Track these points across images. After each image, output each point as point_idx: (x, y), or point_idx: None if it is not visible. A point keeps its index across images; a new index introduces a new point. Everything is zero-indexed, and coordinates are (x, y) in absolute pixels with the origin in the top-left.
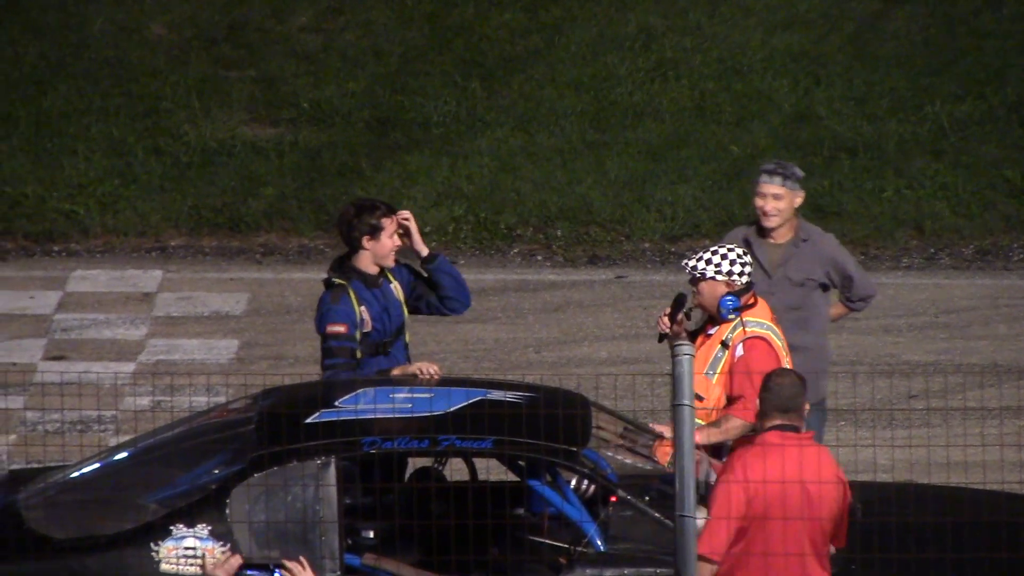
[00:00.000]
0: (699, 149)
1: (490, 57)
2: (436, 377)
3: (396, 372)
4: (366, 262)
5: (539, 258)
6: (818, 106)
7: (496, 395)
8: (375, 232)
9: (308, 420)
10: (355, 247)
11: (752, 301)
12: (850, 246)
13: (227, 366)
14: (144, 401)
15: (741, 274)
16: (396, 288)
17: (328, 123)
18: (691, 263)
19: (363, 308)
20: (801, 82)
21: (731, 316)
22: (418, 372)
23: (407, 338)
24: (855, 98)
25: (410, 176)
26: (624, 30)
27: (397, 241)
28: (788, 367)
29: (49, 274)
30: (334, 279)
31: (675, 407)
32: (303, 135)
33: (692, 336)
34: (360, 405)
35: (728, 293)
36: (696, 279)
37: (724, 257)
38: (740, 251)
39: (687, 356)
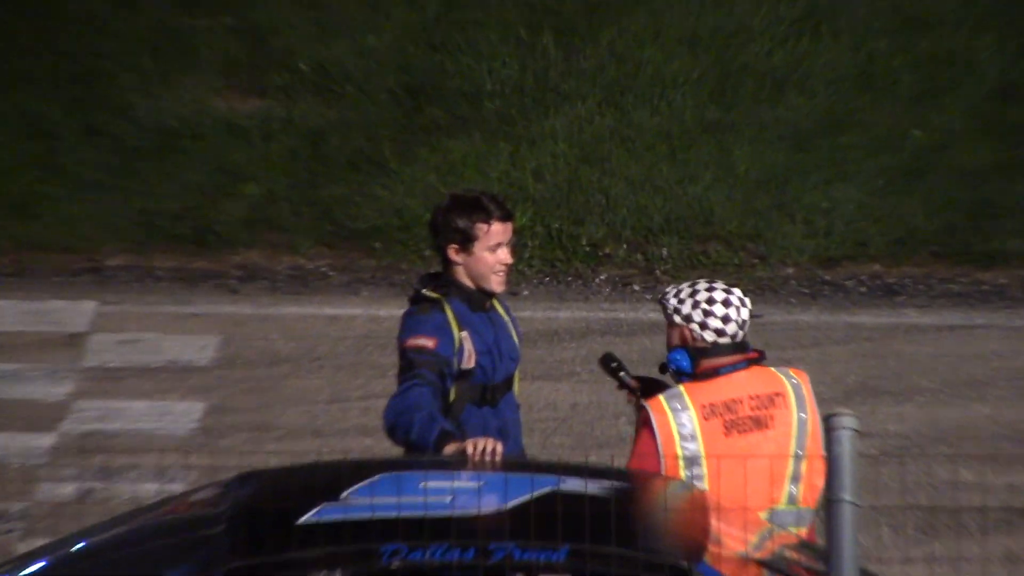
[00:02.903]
0: (865, 134)
1: (568, 3)
2: (495, 458)
3: (449, 449)
4: (463, 277)
5: (636, 288)
6: None
7: (572, 485)
8: (465, 241)
9: (303, 519)
10: (443, 257)
11: (709, 369)
12: None
13: (188, 440)
14: (68, 489)
15: (704, 326)
16: (509, 324)
17: (337, 93)
18: (664, 292)
19: (465, 334)
20: (1011, 41)
21: (672, 376)
22: (471, 449)
23: (516, 390)
24: None
25: (452, 169)
26: None
27: (504, 257)
28: (673, 457)
29: None
30: (425, 291)
31: (830, 503)
32: (301, 110)
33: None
34: (377, 498)
35: (680, 346)
36: (664, 313)
37: (693, 295)
38: (726, 297)
39: (847, 431)
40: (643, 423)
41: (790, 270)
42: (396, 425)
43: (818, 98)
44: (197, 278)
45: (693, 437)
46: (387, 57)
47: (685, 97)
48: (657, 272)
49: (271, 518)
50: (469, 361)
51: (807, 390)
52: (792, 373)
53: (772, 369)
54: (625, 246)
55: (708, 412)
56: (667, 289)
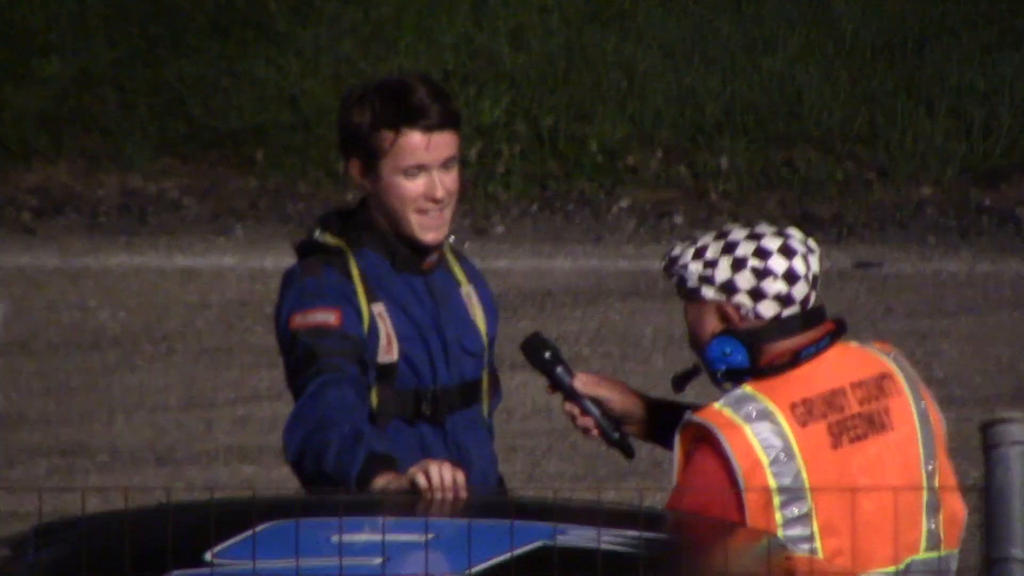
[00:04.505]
0: None
1: None
2: (458, 494)
3: (382, 482)
4: (380, 218)
5: (678, 221)
6: None
7: (576, 536)
8: (368, 157)
9: None
10: (355, 182)
11: (782, 356)
12: None
13: None
14: None
15: (758, 294)
16: (470, 298)
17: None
18: (673, 253)
19: (379, 308)
20: None
21: (722, 380)
22: (420, 480)
23: (485, 408)
24: None
25: (378, 32)
26: None
27: (429, 189)
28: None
29: None
30: (322, 237)
31: (992, 563)
32: None
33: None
34: (263, 560)
35: (725, 332)
36: (679, 289)
37: (729, 249)
38: (783, 242)
39: (1018, 448)
40: (698, 442)
41: (927, 191)
42: (306, 449)
43: None
44: None
45: (788, 455)
46: None
47: None
48: (712, 196)
49: None
50: (388, 351)
51: (911, 368)
52: (880, 347)
53: (855, 344)
54: (661, 153)
55: (804, 414)
56: (676, 250)
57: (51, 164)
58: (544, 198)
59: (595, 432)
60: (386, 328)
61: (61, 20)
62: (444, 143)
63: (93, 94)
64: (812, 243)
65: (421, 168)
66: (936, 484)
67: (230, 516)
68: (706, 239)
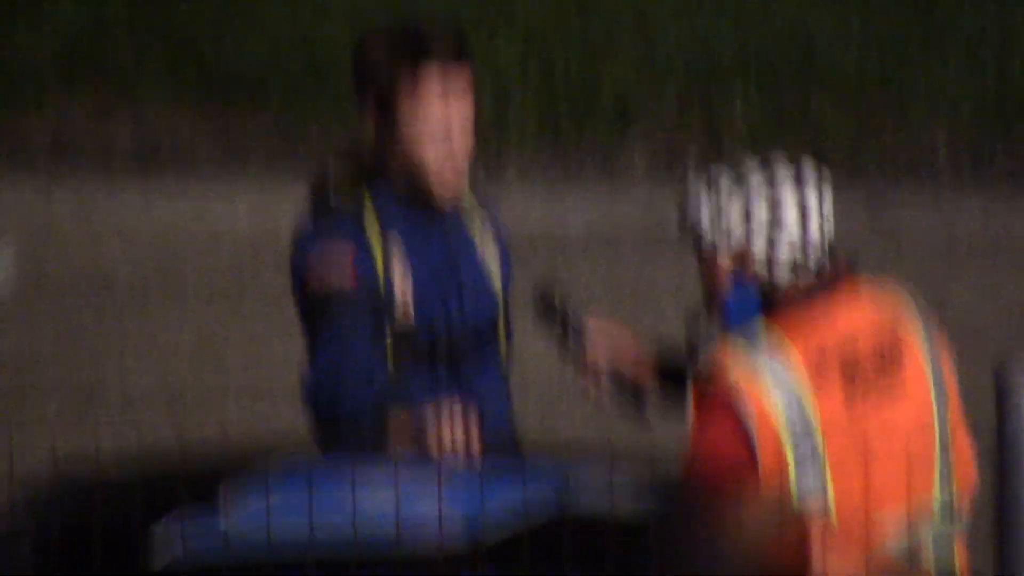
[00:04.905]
0: None
1: None
2: (471, 444)
3: (396, 425)
4: (395, 156)
5: (690, 164)
6: None
7: (587, 483)
8: (384, 94)
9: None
10: (369, 123)
11: (801, 308)
12: None
13: None
14: None
15: (774, 243)
16: (485, 244)
17: None
18: (686, 208)
19: (393, 250)
20: None
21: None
22: (432, 425)
23: (503, 352)
24: None
25: None
26: None
27: (450, 126)
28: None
29: None
30: (335, 179)
31: (1002, 511)
32: None
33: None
34: (276, 502)
35: (739, 287)
36: (692, 245)
37: (742, 204)
38: (794, 183)
39: None
40: (711, 394)
41: (941, 135)
42: (321, 392)
43: None
44: None
45: (801, 404)
46: None
47: None
48: (725, 140)
49: (104, 538)
50: (403, 294)
51: (924, 313)
52: (893, 292)
53: (868, 290)
54: (674, 98)
55: (819, 358)
56: (689, 204)
57: (64, 107)
58: (557, 145)
59: (609, 403)
60: (400, 271)
61: None
62: (459, 79)
63: (106, 37)
64: (827, 187)
65: (436, 106)
66: (947, 428)
67: (235, 464)
68: (719, 190)
